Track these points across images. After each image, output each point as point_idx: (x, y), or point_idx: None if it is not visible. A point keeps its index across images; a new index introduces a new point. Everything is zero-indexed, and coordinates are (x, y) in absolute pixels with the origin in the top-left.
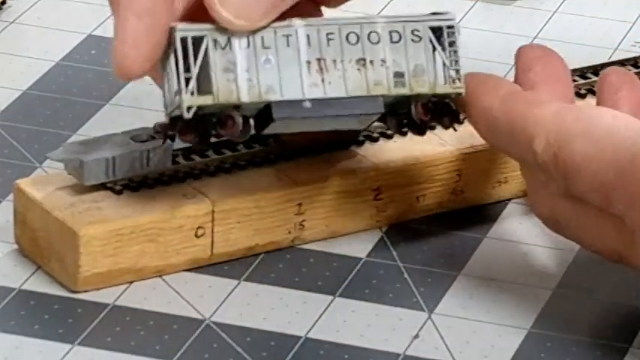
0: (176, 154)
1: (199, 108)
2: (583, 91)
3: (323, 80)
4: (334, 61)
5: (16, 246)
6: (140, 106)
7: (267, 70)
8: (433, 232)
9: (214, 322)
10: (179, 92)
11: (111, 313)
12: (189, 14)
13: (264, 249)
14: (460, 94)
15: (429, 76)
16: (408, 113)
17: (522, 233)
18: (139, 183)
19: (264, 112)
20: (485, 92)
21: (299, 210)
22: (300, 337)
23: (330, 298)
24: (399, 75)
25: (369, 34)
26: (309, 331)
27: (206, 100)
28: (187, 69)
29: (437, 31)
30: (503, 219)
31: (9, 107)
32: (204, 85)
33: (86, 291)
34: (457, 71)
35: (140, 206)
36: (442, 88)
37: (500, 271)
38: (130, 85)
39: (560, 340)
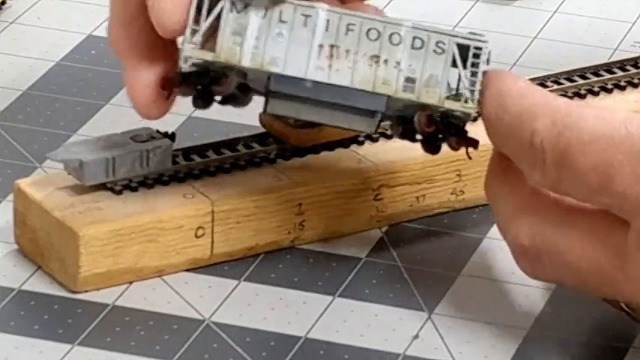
0: (176, 154)
1: (200, 63)
2: (583, 92)
3: (330, 66)
4: (347, 51)
5: (16, 246)
6: None
7: (277, 42)
8: (433, 232)
9: (214, 322)
10: (182, 42)
11: (111, 313)
12: None
13: (264, 249)
14: (469, 114)
15: (441, 90)
16: (412, 122)
17: None
18: (139, 183)
19: (267, 86)
20: (506, 79)
21: (299, 210)
22: (300, 337)
23: (330, 298)
24: (410, 80)
25: (390, 35)
26: (309, 331)
27: (206, 56)
28: (197, 22)
29: (463, 50)
30: None
31: (9, 107)
32: (210, 42)
33: (86, 291)
34: (472, 92)
35: (140, 206)
36: (451, 104)
37: (500, 272)
38: None
39: (560, 340)
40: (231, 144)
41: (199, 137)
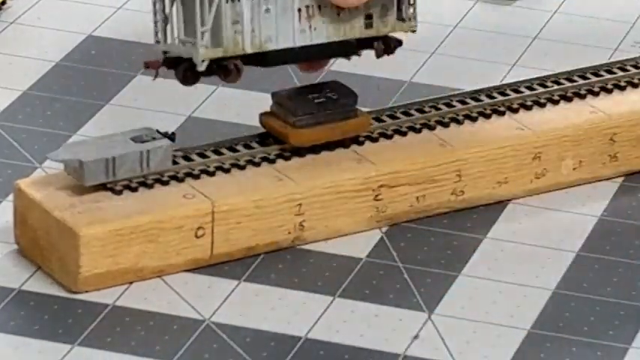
0: (176, 154)
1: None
2: (583, 92)
3: (310, 27)
4: (319, 7)
5: (16, 246)
6: (140, 106)
7: (267, 19)
8: (433, 232)
9: (214, 322)
10: (193, 43)
11: (111, 313)
12: None
13: (264, 249)
14: (414, 31)
15: (392, 17)
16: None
17: (522, 233)
18: (139, 183)
19: (258, 55)
20: None
21: (299, 210)
22: (300, 337)
23: (330, 298)
24: (368, 17)
25: None
26: (309, 331)
27: (217, 53)
28: (202, 22)
29: None
30: (503, 219)
31: (9, 107)
32: (213, 36)
33: (86, 291)
34: (414, 10)
35: (140, 206)
36: (400, 27)
37: (500, 272)
38: (130, 85)
39: (560, 340)
40: (231, 144)
41: (199, 137)
